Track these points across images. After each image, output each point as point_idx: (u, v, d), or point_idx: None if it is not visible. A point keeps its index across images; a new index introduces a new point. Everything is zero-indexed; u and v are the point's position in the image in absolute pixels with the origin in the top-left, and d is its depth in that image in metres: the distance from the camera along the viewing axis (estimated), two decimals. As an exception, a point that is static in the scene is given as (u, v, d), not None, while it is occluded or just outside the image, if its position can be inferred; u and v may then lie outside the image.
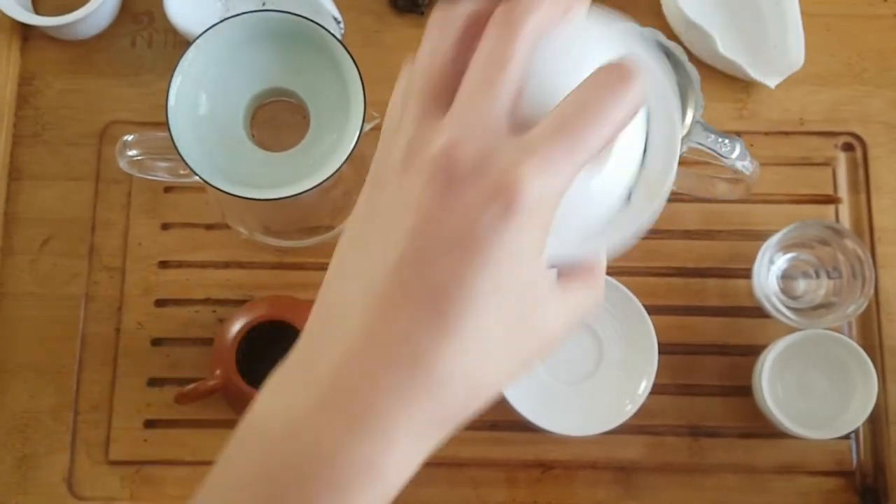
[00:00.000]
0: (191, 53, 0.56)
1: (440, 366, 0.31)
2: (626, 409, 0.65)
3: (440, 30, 0.34)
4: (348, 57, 0.56)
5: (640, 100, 0.31)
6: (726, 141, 0.57)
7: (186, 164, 0.55)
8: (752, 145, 0.72)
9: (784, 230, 0.65)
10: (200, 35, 0.56)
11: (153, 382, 0.69)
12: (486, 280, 0.31)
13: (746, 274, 0.69)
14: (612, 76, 0.31)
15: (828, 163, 0.73)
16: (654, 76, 0.36)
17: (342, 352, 0.32)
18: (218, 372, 0.63)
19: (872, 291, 0.66)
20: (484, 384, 0.33)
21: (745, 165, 0.59)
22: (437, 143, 0.31)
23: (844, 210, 0.72)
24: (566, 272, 0.36)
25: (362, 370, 0.31)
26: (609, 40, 0.35)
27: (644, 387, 0.65)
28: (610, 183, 0.36)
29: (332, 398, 0.31)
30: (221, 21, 0.56)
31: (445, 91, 0.32)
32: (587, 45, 0.34)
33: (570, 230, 0.36)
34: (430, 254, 0.31)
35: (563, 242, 0.35)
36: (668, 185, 0.37)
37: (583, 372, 0.68)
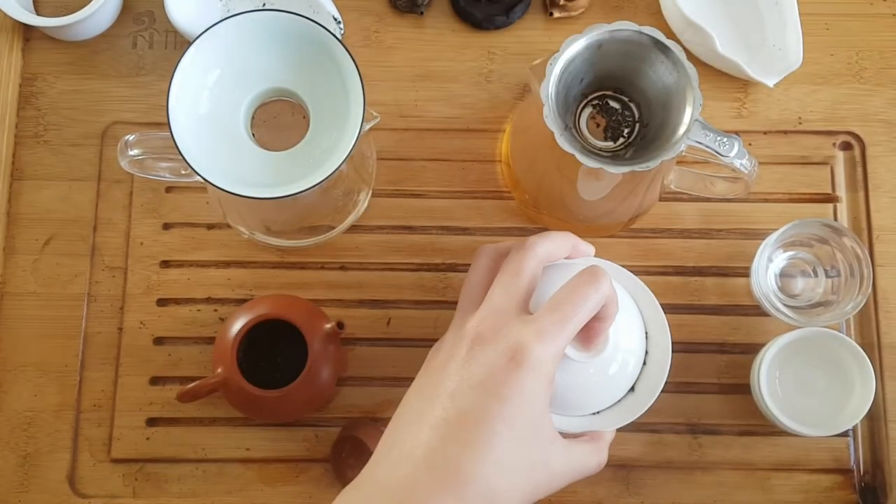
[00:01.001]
0: (191, 53, 0.56)
1: (465, 467, 0.44)
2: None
3: (479, 259, 0.52)
4: (348, 57, 0.56)
5: (605, 291, 0.47)
6: (725, 140, 0.57)
7: (187, 163, 0.55)
8: (750, 144, 0.72)
9: (782, 229, 0.65)
10: (201, 35, 0.56)
11: (155, 381, 0.69)
12: (501, 410, 0.45)
13: (745, 272, 0.69)
14: (586, 275, 0.47)
15: (826, 161, 0.73)
16: (653, 305, 0.55)
17: (397, 464, 0.45)
18: (219, 370, 0.63)
19: (870, 289, 0.66)
20: (499, 490, 0.45)
21: (744, 164, 0.59)
22: (471, 323, 0.48)
23: (843, 208, 0.72)
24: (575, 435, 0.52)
25: (409, 478, 0.44)
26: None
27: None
28: (616, 377, 0.53)
29: (389, 497, 0.45)
30: (222, 21, 0.56)
31: (479, 299, 0.50)
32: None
33: (580, 408, 0.53)
34: (462, 391, 0.46)
35: (571, 419, 0.53)
36: (663, 382, 0.54)
37: None
